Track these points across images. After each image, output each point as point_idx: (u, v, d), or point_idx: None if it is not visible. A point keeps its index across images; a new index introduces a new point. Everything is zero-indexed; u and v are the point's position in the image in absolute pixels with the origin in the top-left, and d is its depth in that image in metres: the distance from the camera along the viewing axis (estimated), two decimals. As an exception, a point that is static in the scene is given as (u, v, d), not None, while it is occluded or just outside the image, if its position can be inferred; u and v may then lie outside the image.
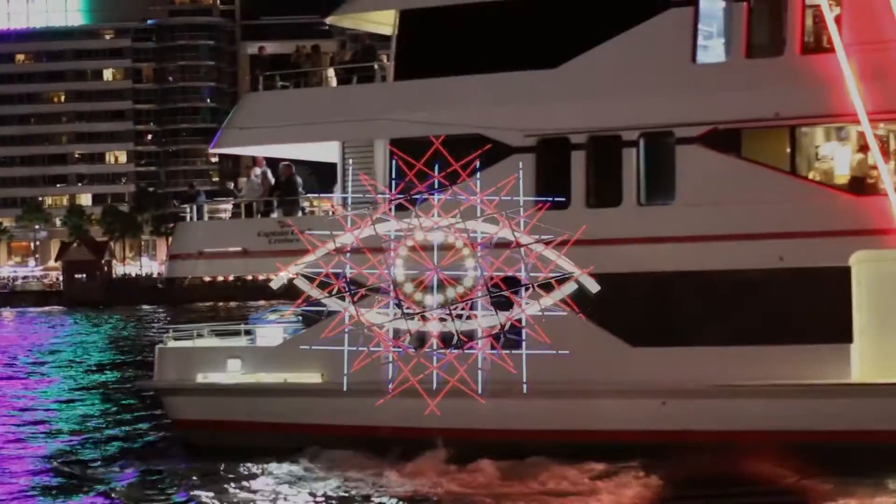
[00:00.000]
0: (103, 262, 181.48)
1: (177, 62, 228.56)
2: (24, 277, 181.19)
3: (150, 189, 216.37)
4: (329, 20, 33.51)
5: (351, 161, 31.50)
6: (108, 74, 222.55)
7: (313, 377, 31.66)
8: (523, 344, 28.90)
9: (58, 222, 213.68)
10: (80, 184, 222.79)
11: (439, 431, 29.20)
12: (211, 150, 35.20)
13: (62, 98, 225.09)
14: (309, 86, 33.38)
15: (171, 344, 34.43)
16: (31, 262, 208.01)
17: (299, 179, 33.19)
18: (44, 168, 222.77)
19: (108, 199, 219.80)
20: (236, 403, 32.29)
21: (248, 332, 34.28)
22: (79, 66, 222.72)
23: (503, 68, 30.27)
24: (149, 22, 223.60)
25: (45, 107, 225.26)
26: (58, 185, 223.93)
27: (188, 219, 34.13)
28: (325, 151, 33.46)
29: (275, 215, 32.88)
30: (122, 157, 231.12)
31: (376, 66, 32.29)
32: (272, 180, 33.29)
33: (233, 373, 32.62)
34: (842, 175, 28.28)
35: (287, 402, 31.75)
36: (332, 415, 31.19)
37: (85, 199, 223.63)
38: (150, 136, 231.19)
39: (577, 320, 28.64)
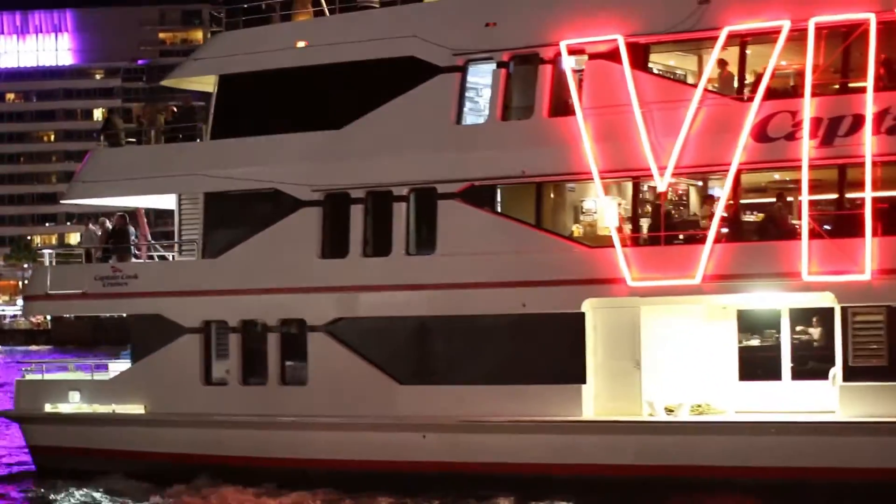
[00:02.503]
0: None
1: (167, 102, 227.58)
2: (13, 316, 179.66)
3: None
4: (165, 83, 36.71)
5: (184, 211, 34.89)
6: (98, 114, 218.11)
7: (137, 409, 34.73)
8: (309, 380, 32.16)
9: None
10: (69, 223, 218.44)
11: (219, 459, 32.30)
12: (62, 202, 38.30)
13: (52, 137, 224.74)
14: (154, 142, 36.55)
15: (28, 377, 37.68)
16: (20, 301, 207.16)
17: (132, 229, 36.28)
18: (33, 207, 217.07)
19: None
20: (75, 431, 35.43)
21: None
22: (69, 106, 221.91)
23: (297, 129, 33.17)
24: (139, 62, 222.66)
25: (35, 146, 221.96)
26: (47, 224, 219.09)
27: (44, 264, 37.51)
28: (167, 201, 36.51)
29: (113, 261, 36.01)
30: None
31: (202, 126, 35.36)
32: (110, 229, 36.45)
33: (73, 403, 35.78)
34: (577, 227, 30.74)
35: (115, 431, 34.82)
36: (153, 444, 34.21)
37: (74, 239, 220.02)
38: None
39: (355, 360, 31.66)
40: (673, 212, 30.11)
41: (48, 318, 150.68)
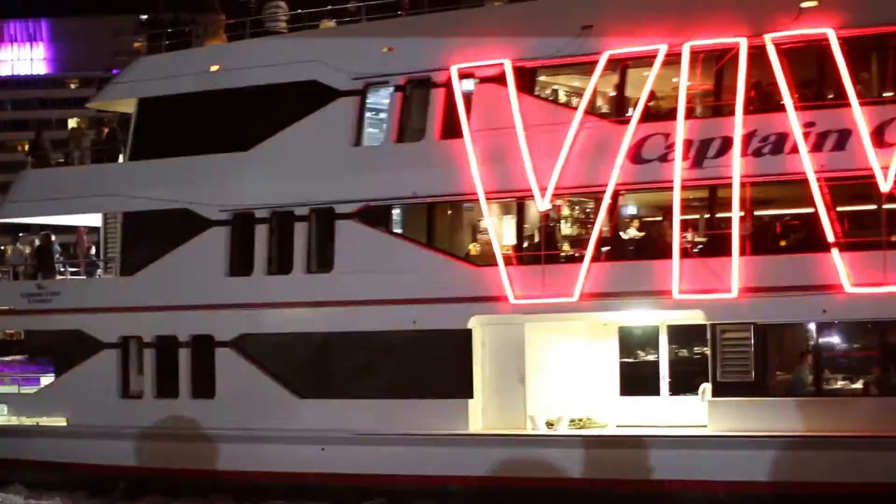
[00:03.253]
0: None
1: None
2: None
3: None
4: (89, 105, 37.87)
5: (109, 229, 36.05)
6: (72, 123, 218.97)
7: (60, 421, 35.84)
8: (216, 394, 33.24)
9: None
10: (42, 232, 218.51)
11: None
12: (-5, 221, 39.36)
13: (26, 147, 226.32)
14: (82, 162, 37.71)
15: (-36, 389, 38.93)
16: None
17: (57, 247, 37.43)
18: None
19: (70, 249, 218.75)
20: (3, 443, 36.55)
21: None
22: (44, 115, 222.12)
23: (209, 151, 34.21)
24: (114, 71, 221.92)
25: (9, 156, 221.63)
26: (20, 235, 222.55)
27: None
28: (95, 219, 37.64)
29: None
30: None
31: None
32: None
33: (1, 416, 36.95)
34: (474, 246, 31.63)
35: (39, 443, 35.92)
36: (75, 455, 35.29)
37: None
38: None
39: (259, 375, 32.69)
40: (558, 231, 30.92)
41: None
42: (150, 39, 36.49)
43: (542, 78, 31.13)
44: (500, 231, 31.27)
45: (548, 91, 31.59)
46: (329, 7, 34.23)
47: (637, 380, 30.73)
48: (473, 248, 31.83)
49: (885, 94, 27.81)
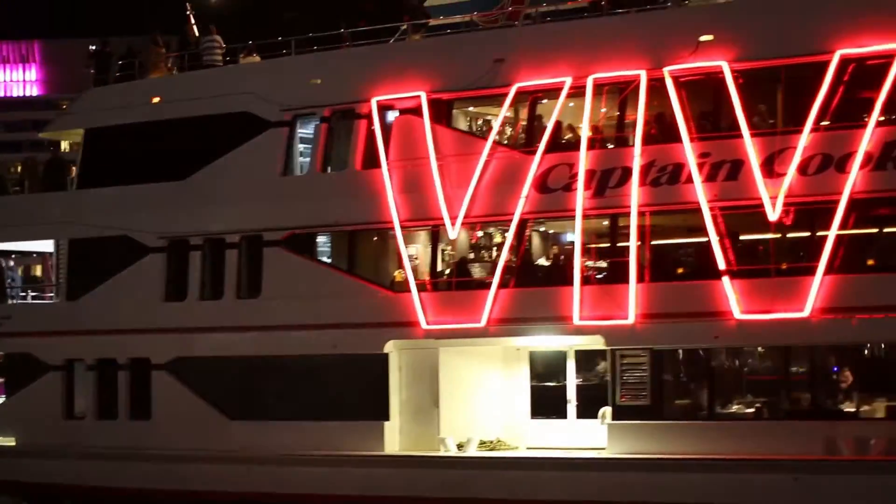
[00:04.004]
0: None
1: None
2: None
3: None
4: (41, 135, 39.16)
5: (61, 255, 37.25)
6: (64, 145, 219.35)
7: (10, 441, 37.05)
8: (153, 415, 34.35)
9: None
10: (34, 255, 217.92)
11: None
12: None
13: (19, 168, 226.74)
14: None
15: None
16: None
17: (10, 273, 38.69)
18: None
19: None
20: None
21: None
22: (36, 137, 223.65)
23: (149, 180, 35.33)
24: None
25: None
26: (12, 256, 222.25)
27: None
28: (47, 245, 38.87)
29: None
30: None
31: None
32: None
33: (-41, 436, 38.25)
34: (399, 273, 32.50)
35: (-5, 462, 37.16)
36: (24, 474, 36.45)
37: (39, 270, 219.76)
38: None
39: (192, 397, 33.76)
40: (471, 258, 31.80)
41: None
42: (96, 71, 37.59)
43: (472, 109, 32.05)
44: (425, 258, 32.21)
45: (480, 121, 32.53)
46: (263, 41, 35.36)
47: (546, 403, 31.53)
48: (399, 275, 32.72)
49: (775, 126, 28.52)
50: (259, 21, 35.19)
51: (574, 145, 30.03)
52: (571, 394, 31.27)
